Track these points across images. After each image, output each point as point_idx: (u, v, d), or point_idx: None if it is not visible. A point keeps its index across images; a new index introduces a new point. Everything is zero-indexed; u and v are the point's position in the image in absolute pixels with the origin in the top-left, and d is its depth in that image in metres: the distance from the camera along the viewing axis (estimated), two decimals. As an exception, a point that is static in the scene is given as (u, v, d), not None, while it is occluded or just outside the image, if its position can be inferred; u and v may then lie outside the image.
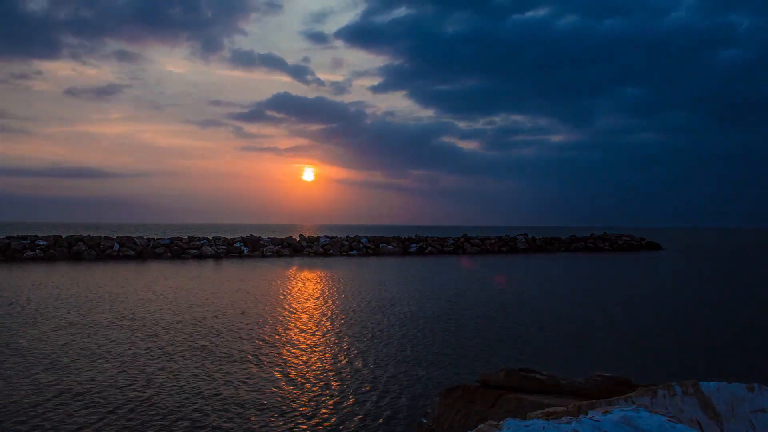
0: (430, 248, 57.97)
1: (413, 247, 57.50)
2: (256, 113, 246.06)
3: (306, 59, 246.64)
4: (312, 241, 55.89)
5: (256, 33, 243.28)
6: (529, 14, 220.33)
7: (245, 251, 50.05)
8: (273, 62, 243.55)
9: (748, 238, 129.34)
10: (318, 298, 23.08)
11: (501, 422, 3.34)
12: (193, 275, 31.94)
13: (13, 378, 11.05)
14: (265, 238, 56.08)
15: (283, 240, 54.78)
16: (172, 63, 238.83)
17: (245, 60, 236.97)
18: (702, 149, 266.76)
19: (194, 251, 47.88)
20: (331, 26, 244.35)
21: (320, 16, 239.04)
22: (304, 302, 21.75)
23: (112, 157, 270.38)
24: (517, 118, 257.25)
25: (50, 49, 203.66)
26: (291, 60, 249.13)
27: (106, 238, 47.76)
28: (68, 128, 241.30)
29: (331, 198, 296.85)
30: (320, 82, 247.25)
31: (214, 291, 24.59)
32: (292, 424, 8.79)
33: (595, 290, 27.07)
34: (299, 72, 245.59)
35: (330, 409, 9.52)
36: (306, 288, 26.46)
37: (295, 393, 10.34)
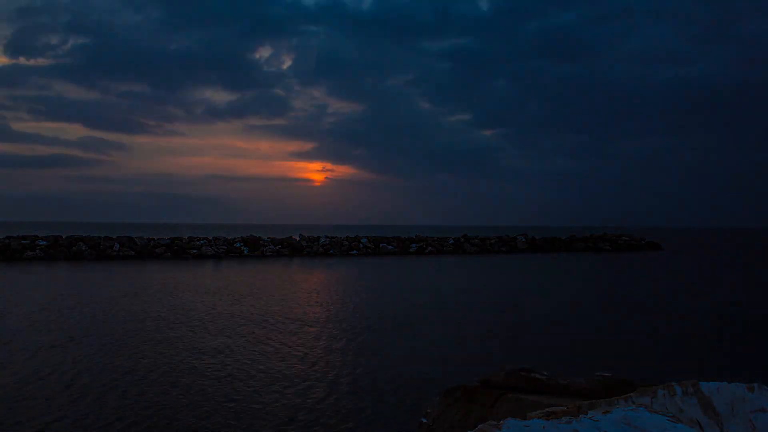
0: (430, 248, 57.98)
1: (413, 247, 57.50)
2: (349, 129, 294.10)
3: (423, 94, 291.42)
4: (312, 241, 55.87)
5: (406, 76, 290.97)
6: (616, 66, 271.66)
7: (245, 251, 50.06)
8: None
9: (747, 238, 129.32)
10: (316, 297, 23.08)
11: (501, 422, 3.34)
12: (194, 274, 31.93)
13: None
14: (265, 238, 56.08)
15: (283, 240, 54.77)
16: (321, 95, 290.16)
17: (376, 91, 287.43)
18: (708, 159, 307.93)
19: (194, 251, 47.89)
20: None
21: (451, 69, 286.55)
22: (302, 302, 21.75)
23: (240, 165, 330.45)
24: (560, 135, 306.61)
25: (238, 85, 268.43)
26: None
27: (106, 238, 47.77)
28: (216, 141, 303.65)
29: (358, 198, 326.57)
30: (422, 110, 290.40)
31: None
32: (287, 425, 8.79)
33: (595, 290, 27.07)
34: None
35: (329, 408, 9.52)
36: (305, 288, 26.45)
37: (293, 391, 10.33)
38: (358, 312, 19.40)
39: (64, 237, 47.32)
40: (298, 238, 56.81)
